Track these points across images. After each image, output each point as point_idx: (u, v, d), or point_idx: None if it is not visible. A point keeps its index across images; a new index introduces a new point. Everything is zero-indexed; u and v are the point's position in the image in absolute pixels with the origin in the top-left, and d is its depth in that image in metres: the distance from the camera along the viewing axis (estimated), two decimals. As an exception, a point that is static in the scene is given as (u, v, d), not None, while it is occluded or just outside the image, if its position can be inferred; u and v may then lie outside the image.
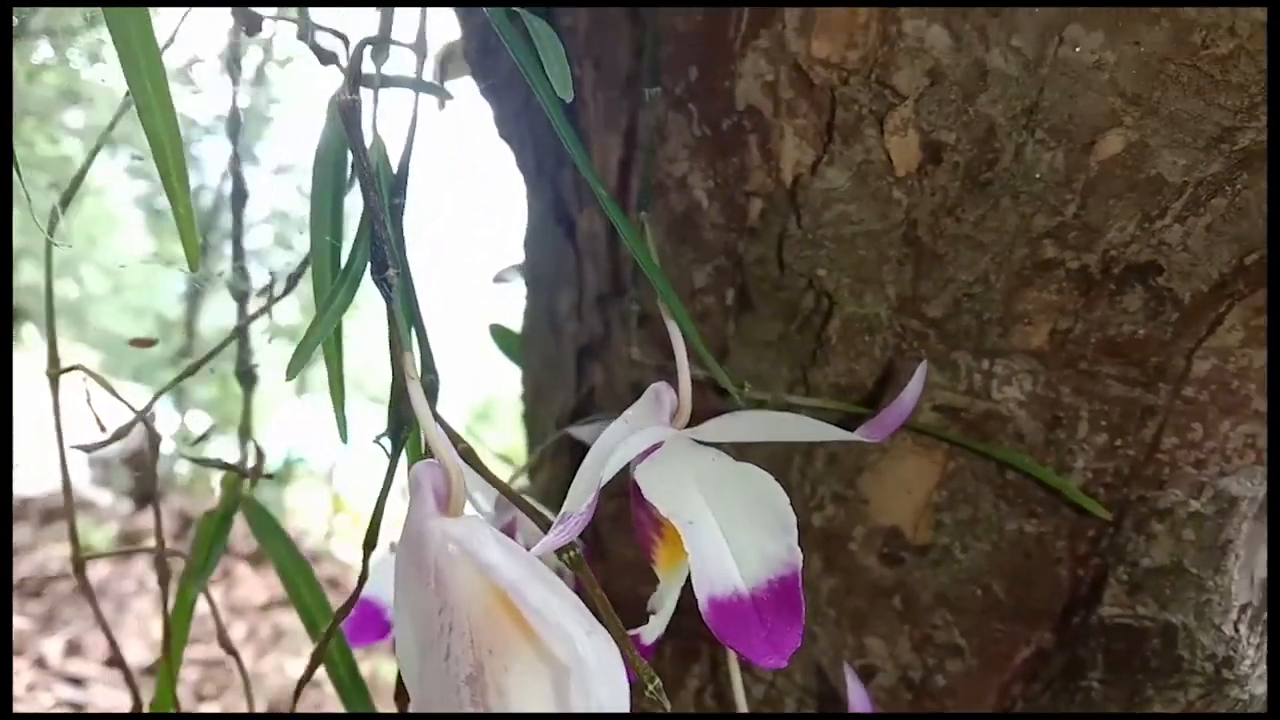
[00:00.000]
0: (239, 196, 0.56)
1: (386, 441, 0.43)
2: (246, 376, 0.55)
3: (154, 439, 0.50)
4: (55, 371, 0.53)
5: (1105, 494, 0.51)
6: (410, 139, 0.43)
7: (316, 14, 0.55)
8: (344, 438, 0.43)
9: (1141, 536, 0.51)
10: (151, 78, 0.38)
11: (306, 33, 0.53)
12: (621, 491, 0.42)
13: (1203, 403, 0.49)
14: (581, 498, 0.36)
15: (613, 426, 0.40)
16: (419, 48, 0.44)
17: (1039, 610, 0.53)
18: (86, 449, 0.49)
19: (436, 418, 0.34)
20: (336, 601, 0.54)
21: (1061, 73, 0.44)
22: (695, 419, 0.43)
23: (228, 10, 0.62)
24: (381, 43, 0.46)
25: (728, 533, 0.36)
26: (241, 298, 0.55)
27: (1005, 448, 0.50)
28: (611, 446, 0.38)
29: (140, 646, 4.69)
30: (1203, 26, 0.42)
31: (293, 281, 0.51)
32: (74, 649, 4.69)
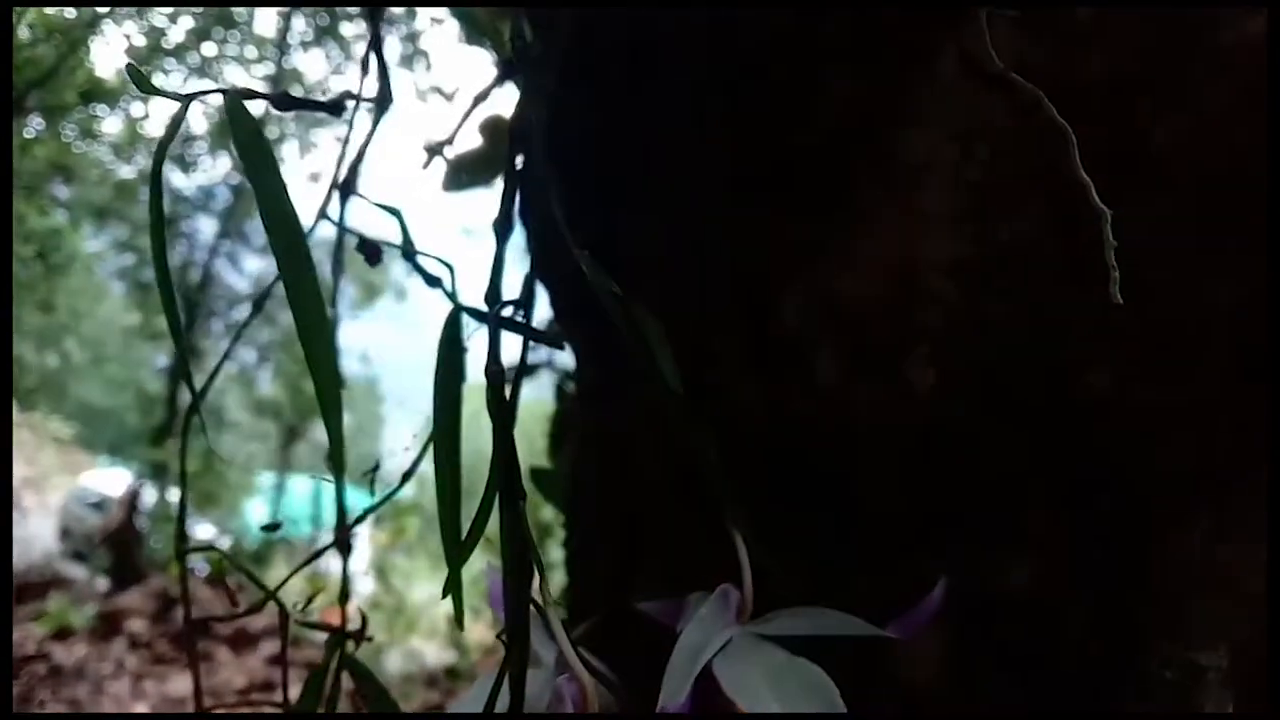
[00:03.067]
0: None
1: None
2: (343, 546, 0.63)
3: (283, 619, 0.58)
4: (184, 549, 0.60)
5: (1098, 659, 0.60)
6: (519, 378, 0.52)
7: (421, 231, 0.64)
8: (460, 625, 0.51)
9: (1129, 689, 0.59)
10: (321, 341, 0.47)
11: (412, 256, 0.62)
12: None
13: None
14: (676, 694, 0.44)
15: (690, 626, 0.49)
16: (525, 302, 0.53)
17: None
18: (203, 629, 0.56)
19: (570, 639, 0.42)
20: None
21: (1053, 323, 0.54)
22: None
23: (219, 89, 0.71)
24: (494, 283, 0.55)
25: (794, 724, 0.45)
26: (339, 476, 0.63)
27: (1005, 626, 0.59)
28: (696, 646, 0.47)
29: (117, 730, 4.63)
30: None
31: (399, 485, 0.60)
32: (50, 733, 4.62)
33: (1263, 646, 0.59)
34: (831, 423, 0.59)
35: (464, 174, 1.08)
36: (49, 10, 8.63)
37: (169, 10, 9.56)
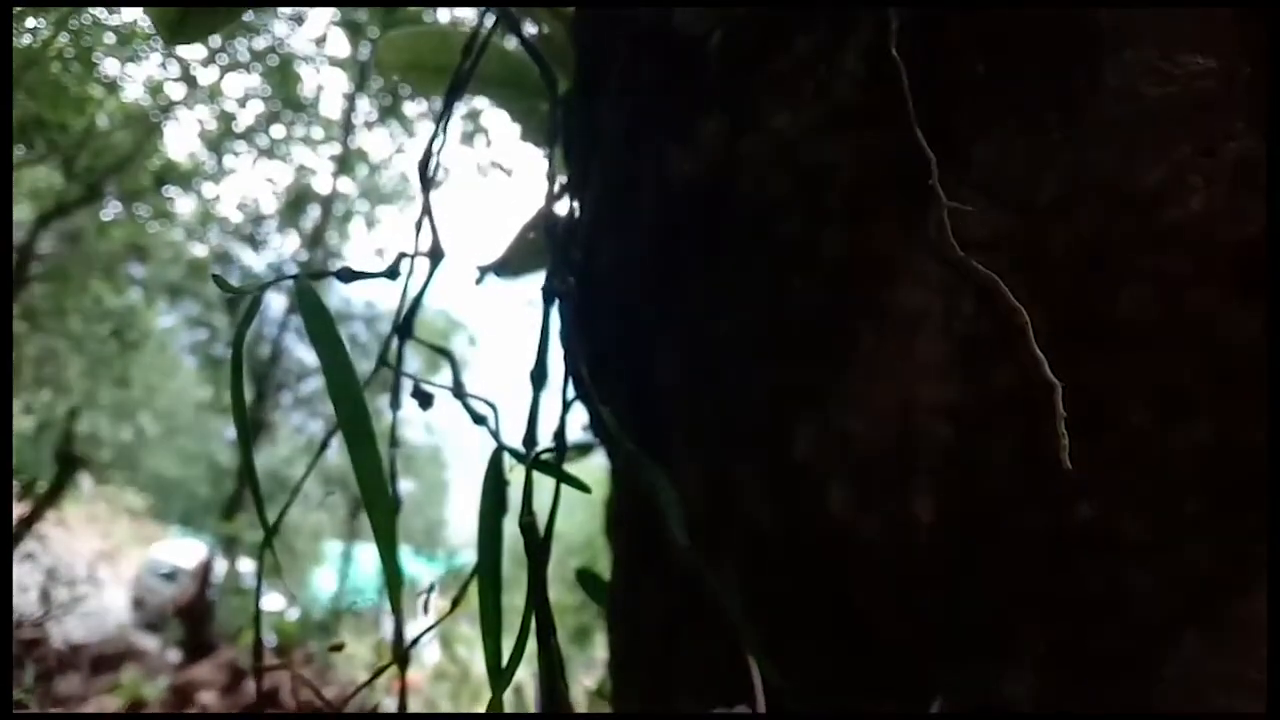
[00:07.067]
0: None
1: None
2: (402, 661, 0.69)
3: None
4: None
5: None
6: (552, 518, 0.58)
7: (471, 376, 0.71)
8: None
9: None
10: (379, 493, 0.54)
11: (462, 394, 0.69)
12: None
13: None
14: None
15: (711, 747, 0.54)
16: (559, 442, 0.59)
17: None
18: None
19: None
20: None
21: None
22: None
23: (291, 275, 0.78)
24: (530, 430, 0.61)
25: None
26: (398, 607, 0.69)
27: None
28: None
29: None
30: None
31: (452, 606, 0.66)
32: (123, 807, 4.70)
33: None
34: (842, 549, 0.65)
35: (517, 266, 1.16)
36: (126, 98, 9.09)
37: (239, 95, 10.00)
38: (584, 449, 1.80)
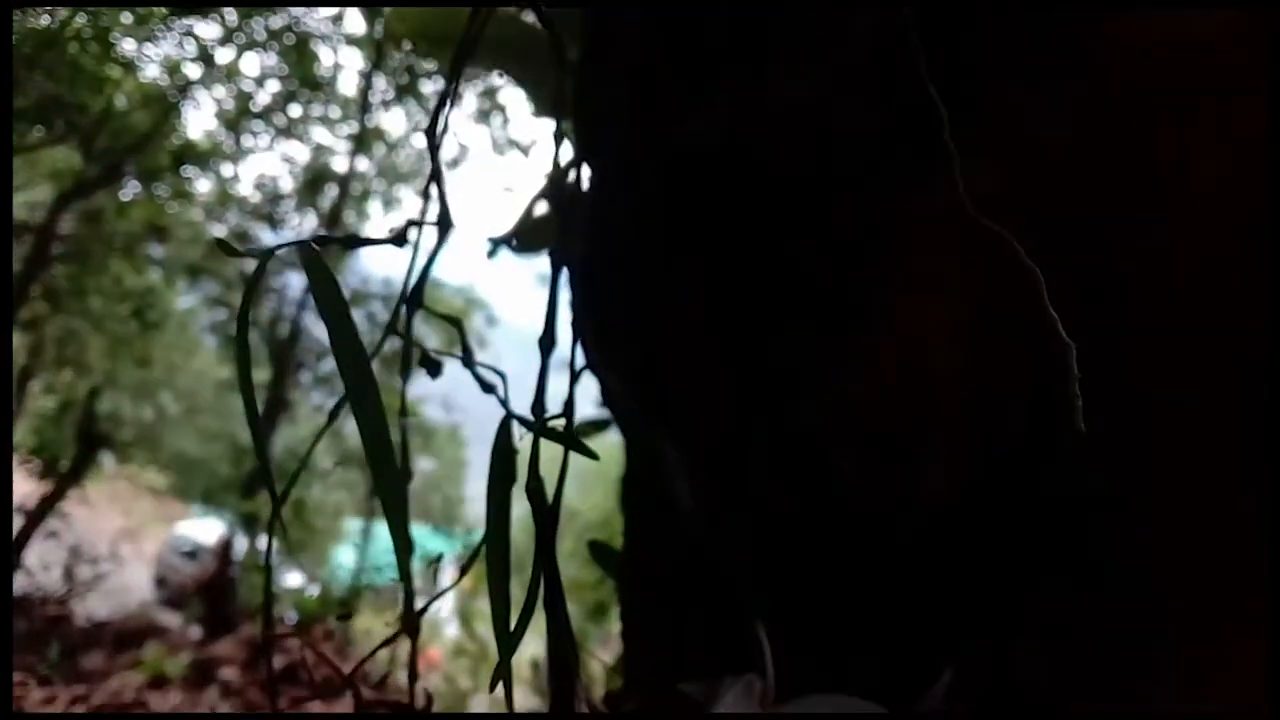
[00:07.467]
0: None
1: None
2: (412, 630, 0.69)
3: (358, 701, 0.64)
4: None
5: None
6: (560, 485, 0.58)
7: (482, 350, 0.70)
8: (510, 709, 0.57)
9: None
10: (383, 456, 0.54)
11: (471, 364, 0.69)
12: None
13: None
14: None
15: (715, 714, 0.54)
16: (568, 410, 0.59)
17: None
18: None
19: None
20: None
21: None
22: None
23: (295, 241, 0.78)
24: (539, 396, 0.61)
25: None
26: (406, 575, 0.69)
27: None
28: (722, 729, 0.52)
29: (211, 777, 4.76)
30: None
31: (461, 574, 0.66)
32: (147, 779, 4.77)
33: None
34: (849, 515, 0.64)
35: (530, 240, 1.16)
36: (144, 78, 9.11)
37: (256, 74, 10.01)
38: (600, 425, 1.81)
